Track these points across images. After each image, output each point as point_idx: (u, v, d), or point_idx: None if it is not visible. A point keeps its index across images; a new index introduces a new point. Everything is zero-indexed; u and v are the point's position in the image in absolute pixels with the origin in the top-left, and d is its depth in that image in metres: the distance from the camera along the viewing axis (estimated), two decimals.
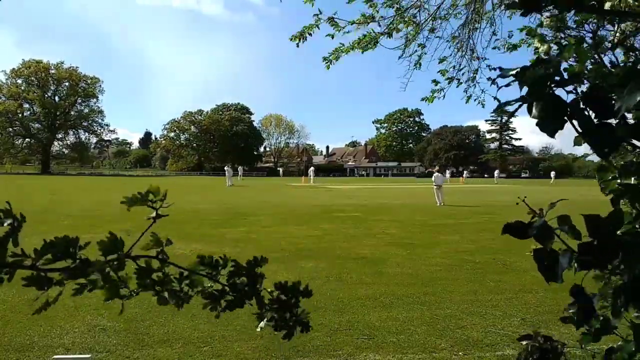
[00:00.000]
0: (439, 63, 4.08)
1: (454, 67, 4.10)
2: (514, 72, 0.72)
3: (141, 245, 0.77)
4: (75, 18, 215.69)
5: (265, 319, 0.81)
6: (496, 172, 55.55)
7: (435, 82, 4.05)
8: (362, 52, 3.81)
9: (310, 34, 3.71)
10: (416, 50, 4.08)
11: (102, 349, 3.64)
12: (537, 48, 1.07)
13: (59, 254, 0.64)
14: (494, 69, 4.08)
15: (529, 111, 0.71)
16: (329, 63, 3.91)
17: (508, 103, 0.72)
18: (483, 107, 4.18)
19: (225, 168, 35.83)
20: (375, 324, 4.29)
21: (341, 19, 3.68)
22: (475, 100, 4.12)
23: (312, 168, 47.84)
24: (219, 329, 4.03)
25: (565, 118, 0.69)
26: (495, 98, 3.94)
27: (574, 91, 0.70)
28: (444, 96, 4.18)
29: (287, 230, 10.46)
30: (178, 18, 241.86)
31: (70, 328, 4.07)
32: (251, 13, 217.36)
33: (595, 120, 0.69)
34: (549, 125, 0.69)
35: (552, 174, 53.99)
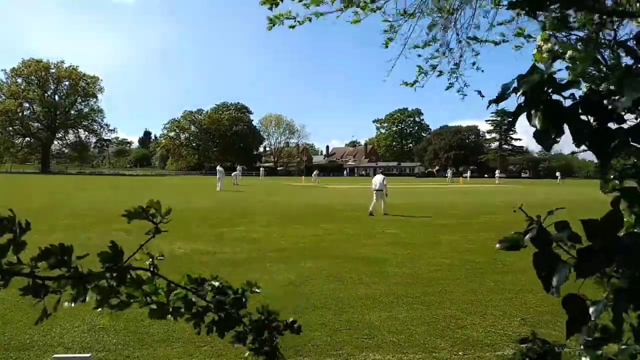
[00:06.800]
0: (415, 48, 3.86)
1: (431, 56, 3.94)
2: (511, 87, 0.71)
3: (136, 257, 0.77)
4: None
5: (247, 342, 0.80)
6: (461, 172, 57.31)
7: (420, 68, 3.95)
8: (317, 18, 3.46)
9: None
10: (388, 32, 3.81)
11: (102, 349, 3.64)
12: (539, 47, 1.05)
13: (54, 262, 0.64)
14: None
15: (529, 119, 0.71)
16: (271, 24, 3.49)
17: (505, 112, 0.71)
18: (463, 98, 4.05)
19: (217, 168, 28.48)
20: (375, 324, 4.29)
21: None
22: (458, 92, 3.99)
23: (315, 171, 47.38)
24: None
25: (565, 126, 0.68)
26: (479, 93, 3.88)
27: (570, 97, 0.69)
28: (422, 85, 4.04)
29: (287, 229, 10.46)
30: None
31: (70, 327, 4.07)
32: None
33: (594, 124, 0.67)
34: (548, 136, 0.68)
35: (558, 174, 50.80)
